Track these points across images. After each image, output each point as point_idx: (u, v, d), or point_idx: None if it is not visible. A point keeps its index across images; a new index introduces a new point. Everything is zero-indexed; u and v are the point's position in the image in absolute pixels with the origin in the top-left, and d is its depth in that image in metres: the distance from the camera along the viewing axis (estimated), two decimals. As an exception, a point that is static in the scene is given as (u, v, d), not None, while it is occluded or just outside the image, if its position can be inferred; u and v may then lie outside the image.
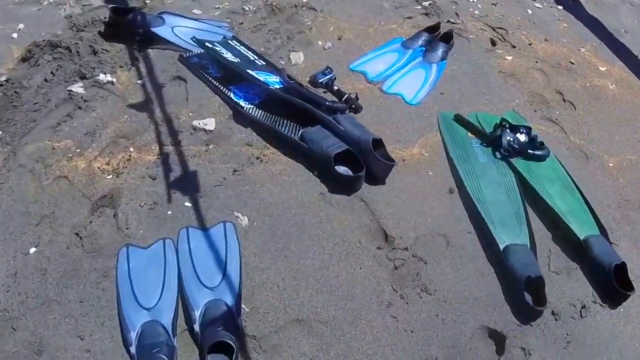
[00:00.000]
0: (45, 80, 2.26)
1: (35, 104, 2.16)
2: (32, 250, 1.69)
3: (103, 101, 2.19)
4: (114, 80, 2.28)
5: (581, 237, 1.85)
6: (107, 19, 2.52)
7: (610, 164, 2.24)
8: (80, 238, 1.72)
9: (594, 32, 2.99)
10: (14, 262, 1.66)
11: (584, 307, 1.70)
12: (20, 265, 1.65)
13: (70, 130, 2.06)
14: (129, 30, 2.45)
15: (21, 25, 2.59)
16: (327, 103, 2.06)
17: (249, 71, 2.18)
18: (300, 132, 1.98)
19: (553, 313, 1.67)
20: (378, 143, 1.93)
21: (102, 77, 2.28)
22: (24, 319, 1.53)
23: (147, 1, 2.79)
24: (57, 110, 2.14)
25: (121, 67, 2.37)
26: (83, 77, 2.28)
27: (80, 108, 2.14)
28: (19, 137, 2.03)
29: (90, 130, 2.06)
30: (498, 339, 1.58)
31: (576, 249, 1.85)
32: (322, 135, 1.94)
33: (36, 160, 1.94)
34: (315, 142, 1.92)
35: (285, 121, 2.05)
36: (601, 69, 2.75)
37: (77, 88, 2.22)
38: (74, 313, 1.54)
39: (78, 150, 1.99)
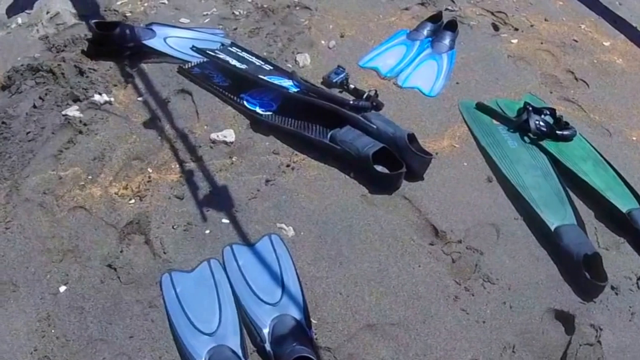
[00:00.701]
0: (34, 106, 2.28)
1: (28, 133, 2.18)
2: (62, 288, 1.71)
3: (104, 123, 2.23)
4: (112, 99, 2.33)
5: (624, 211, 2.04)
6: (91, 36, 2.56)
7: (634, 138, 2.46)
8: (115, 270, 1.75)
9: (590, 8, 3.27)
10: (44, 303, 1.68)
11: (639, 278, 1.88)
12: (51, 306, 1.67)
13: (75, 157, 2.09)
14: (118, 45, 2.50)
15: (-8, 51, 2.59)
16: (352, 102, 2.18)
17: (261, 77, 2.28)
18: (329, 133, 2.09)
19: (612, 288, 1.83)
20: (411, 138, 2.07)
21: (97, 97, 2.32)
22: (69, 364, 1.55)
23: (127, 14, 2.85)
24: (55, 137, 2.16)
25: (115, 85, 2.42)
26: (76, 100, 2.31)
27: (81, 132, 2.17)
28: (18, 170, 2.05)
29: (98, 155, 2.09)
30: (567, 319, 1.73)
31: (620, 223, 2.04)
32: (354, 135, 2.06)
33: (44, 193, 1.96)
34: (348, 143, 2.03)
35: (310, 124, 2.15)
36: (605, 44, 3.01)
37: (73, 112, 2.25)
38: (125, 350, 1.58)
39: (89, 177, 2.02)
